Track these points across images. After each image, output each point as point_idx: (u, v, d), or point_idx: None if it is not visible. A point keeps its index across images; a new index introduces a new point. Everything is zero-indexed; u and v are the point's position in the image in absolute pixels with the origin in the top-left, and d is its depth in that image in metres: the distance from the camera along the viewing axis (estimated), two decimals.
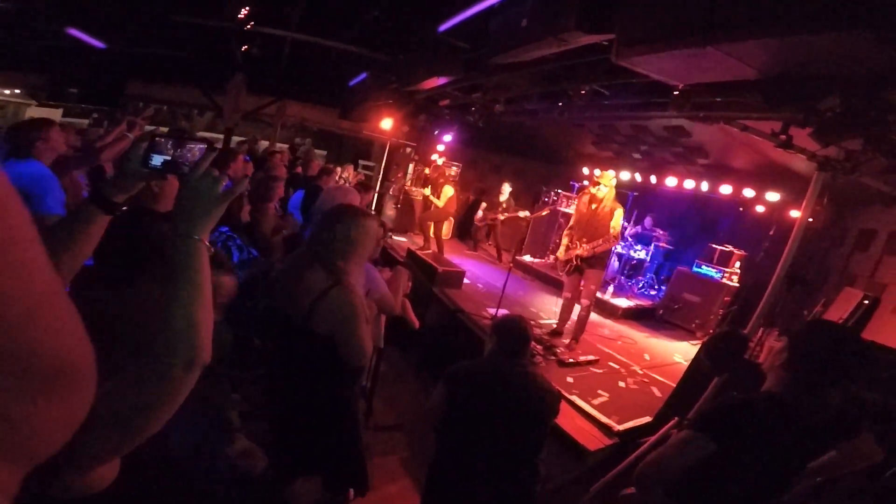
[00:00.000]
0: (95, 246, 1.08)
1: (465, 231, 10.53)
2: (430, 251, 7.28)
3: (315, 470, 2.23)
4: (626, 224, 7.35)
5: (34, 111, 11.40)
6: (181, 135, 1.42)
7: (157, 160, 1.06)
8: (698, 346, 3.64)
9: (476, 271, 7.39)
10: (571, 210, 8.42)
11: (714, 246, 6.90)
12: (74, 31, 6.40)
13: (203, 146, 1.04)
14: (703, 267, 6.78)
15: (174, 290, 0.86)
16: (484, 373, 2.18)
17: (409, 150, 10.67)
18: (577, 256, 4.76)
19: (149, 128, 3.87)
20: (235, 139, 9.68)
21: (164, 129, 7.99)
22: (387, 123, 8.68)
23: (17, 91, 10.81)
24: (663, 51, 2.35)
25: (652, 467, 1.58)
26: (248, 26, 5.85)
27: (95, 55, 7.52)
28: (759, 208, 6.76)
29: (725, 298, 6.36)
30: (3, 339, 0.32)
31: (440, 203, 7.72)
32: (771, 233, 6.23)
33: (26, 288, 0.33)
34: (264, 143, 10.29)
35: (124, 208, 1.11)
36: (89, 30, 6.56)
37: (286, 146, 10.25)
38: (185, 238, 0.89)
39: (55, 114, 10.43)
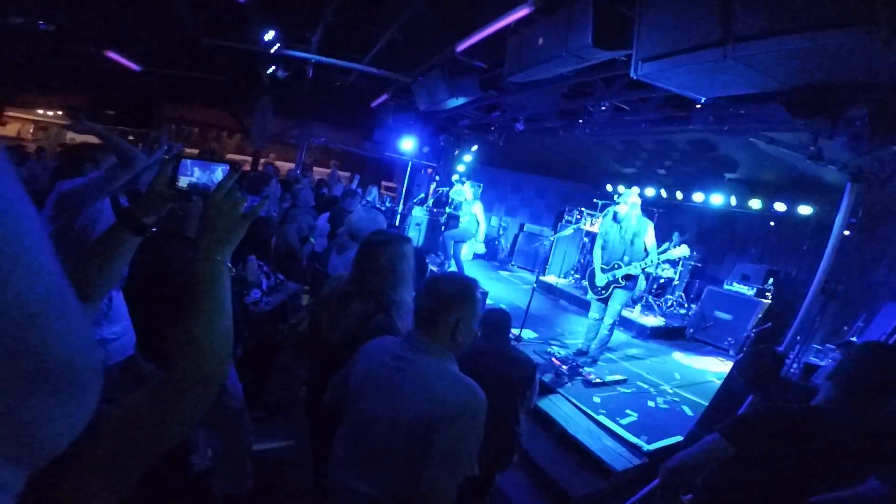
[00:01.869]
0: (126, 266, 1.12)
1: (489, 251, 10.49)
2: (450, 271, 7.28)
3: None
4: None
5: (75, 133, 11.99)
6: (206, 157, 1.48)
7: (182, 182, 1.10)
8: (731, 365, 3.50)
9: (499, 292, 7.34)
10: (595, 229, 8.34)
11: (745, 262, 6.69)
12: (112, 54, 6.74)
13: (226, 167, 1.08)
14: (735, 284, 6.57)
15: (196, 308, 0.88)
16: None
17: (429, 170, 10.79)
18: (620, 278, 4.63)
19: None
20: (263, 161, 9.99)
21: (195, 151, 8.31)
22: (408, 144, 8.83)
23: (59, 112, 11.42)
24: (682, 65, 2.34)
25: (675, 464, 1.63)
26: (273, 49, 6.03)
27: (132, 78, 7.91)
28: (792, 222, 6.55)
29: (759, 316, 6.14)
30: (9, 338, 0.32)
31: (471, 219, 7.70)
32: (805, 247, 6.02)
33: (34, 287, 0.33)
34: (288, 165, 10.57)
35: (153, 229, 1.14)
36: (126, 52, 6.91)
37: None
38: (207, 259, 0.92)
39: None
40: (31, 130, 13.14)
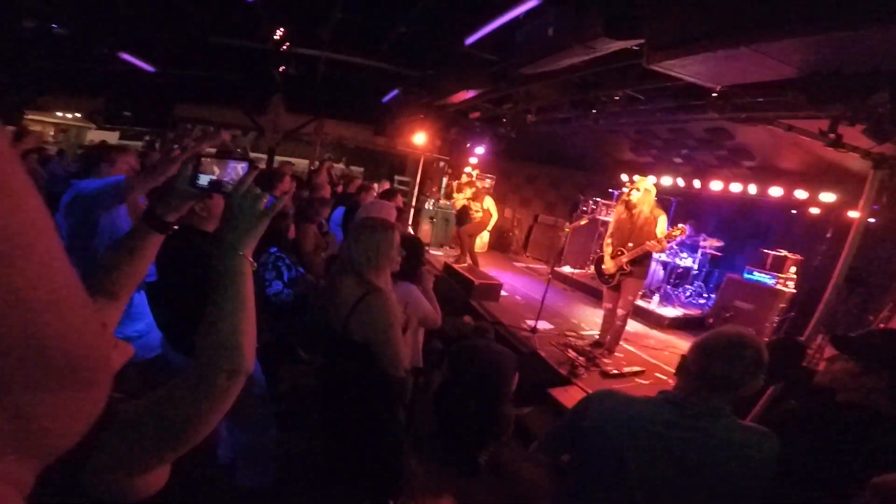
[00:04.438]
0: (150, 263, 1.15)
1: (504, 243, 10.48)
2: (465, 264, 7.29)
3: (358, 477, 2.28)
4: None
5: (94, 134, 12.27)
6: (225, 154, 1.49)
7: (203, 180, 1.11)
8: None
9: (514, 283, 7.33)
10: (611, 219, 8.25)
11: (766, 251, 6.56)
12: (126, 56, 6.82)
13: (245, 164, 1.10)
14: (756, 273, 6.45)
15: (219, 303, 0.90)
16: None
17: (442, 163, 10.76)
18: (624, 264, 4.57)
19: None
20: (278, 159, 10.08)
21: (212, 150, 8.41)
22: (419, 138, 8.82)
23: (78, 115, 11.60)
24: (695, 53, 2.29)
25: None
26: (284, 47, 6.04)
27: (147, 79, 8.01)
28: (814, 210, 6.39)
29: (781, 305, 6.02)
30: (18, 329, 0.31)
31: (484, 214, 7.75)
32: (828, 235, 5.87)
33: (43, 279, 0.32)
34: (303, 162, 10.64)
35: (176, 227, 1.17)
36: (140, 54, 6.99)
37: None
38: (229, 253, 0.94)
39: (112, 136, 11.23)
40: (52, 133, 13.48)
